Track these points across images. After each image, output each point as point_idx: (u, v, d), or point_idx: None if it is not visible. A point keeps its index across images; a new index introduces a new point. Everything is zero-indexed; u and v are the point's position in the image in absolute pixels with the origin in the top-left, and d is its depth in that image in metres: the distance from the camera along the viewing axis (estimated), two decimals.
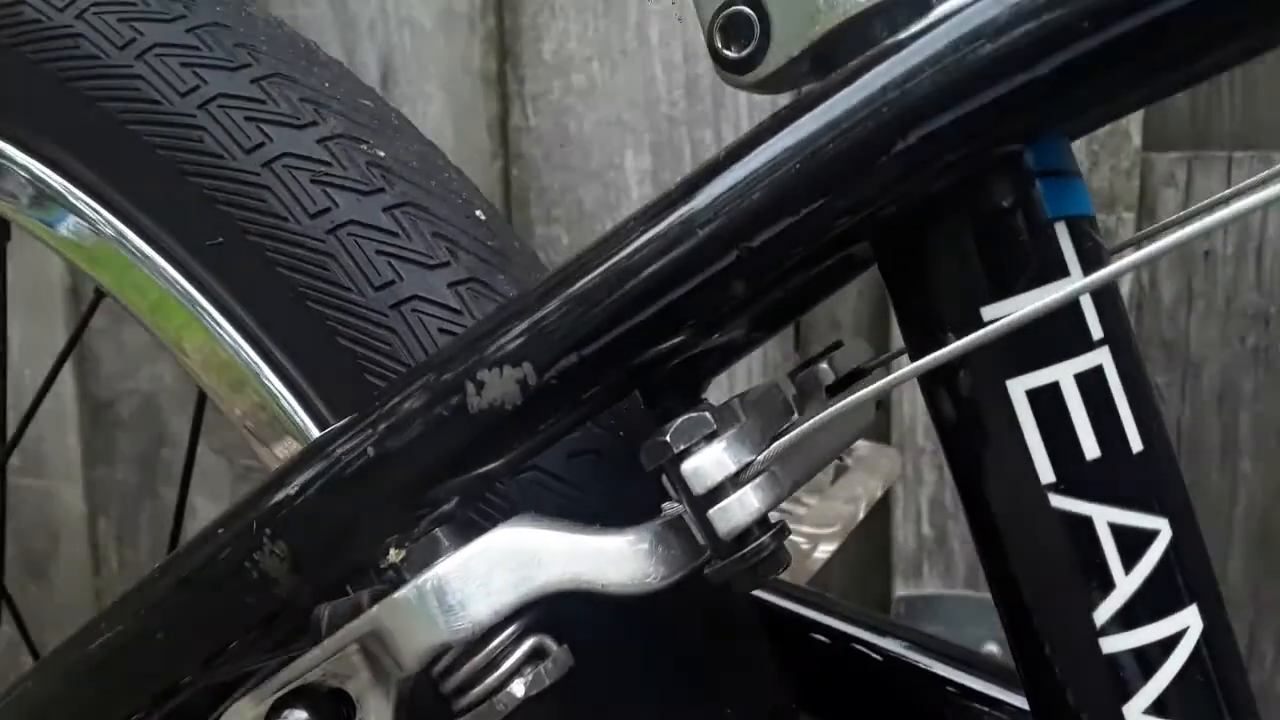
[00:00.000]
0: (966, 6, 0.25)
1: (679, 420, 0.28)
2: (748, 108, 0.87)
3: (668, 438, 0.28)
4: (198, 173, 0.34)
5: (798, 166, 0.26)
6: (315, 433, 0.33)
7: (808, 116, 0.26)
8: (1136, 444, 0.27)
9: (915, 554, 0.88)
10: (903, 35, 0.25)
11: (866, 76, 0.25)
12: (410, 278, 0.33)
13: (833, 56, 0.28)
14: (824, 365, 0.34)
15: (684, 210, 0.27)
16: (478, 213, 0.36)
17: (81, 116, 0.35)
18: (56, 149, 0.36)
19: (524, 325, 0.28)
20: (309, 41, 0.39)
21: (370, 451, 0.28)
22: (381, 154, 0.35)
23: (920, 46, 0.25)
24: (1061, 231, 0.27)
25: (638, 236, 0.27)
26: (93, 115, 0.35)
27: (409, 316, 0.33)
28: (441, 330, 0.33)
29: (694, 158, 0.89)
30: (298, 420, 0.34)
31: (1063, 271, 0.27)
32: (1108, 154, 0.82)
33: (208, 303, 0.35)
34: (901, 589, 0.89)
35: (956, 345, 0.25)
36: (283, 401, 0.34)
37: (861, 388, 0.28)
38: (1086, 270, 0.27)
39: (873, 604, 0.90)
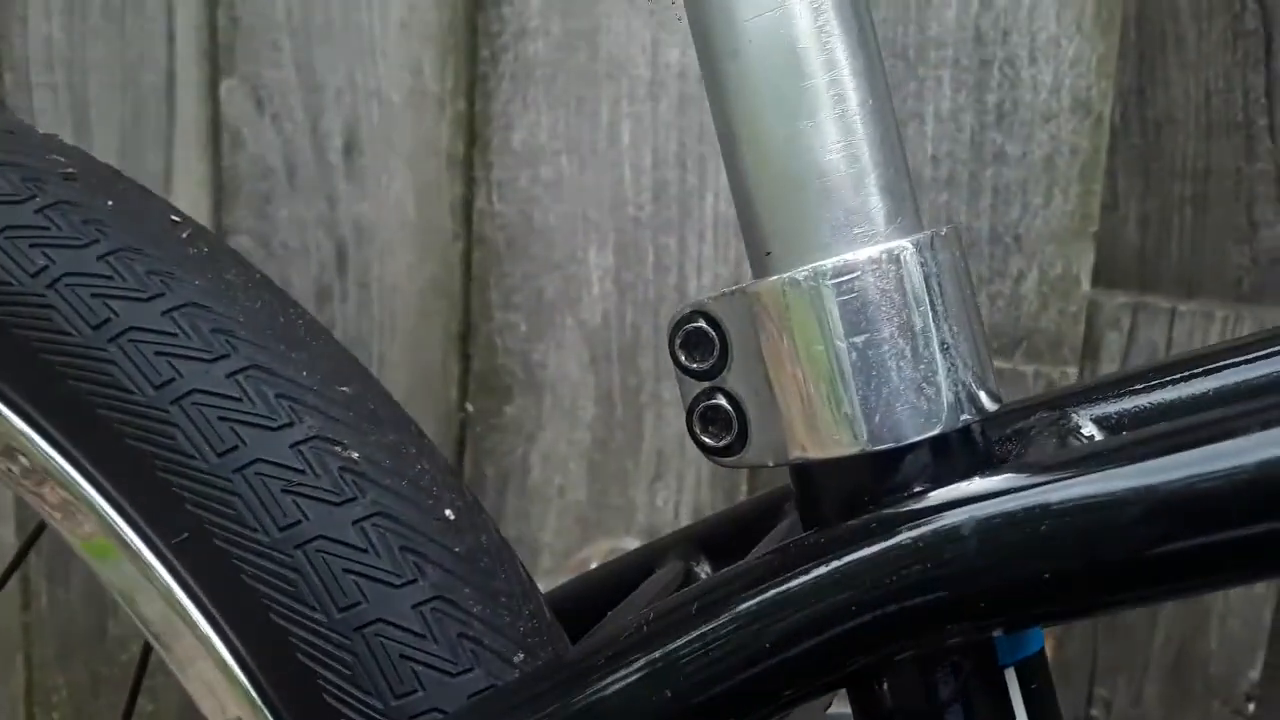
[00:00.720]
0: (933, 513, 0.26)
1: None
2: (713, 219, 0.88)
3: None
4: None
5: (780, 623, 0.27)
6: None
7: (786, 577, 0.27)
8: None
9: None
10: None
11: (840, 559, 0.26)
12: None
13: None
14: None
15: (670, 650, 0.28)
16: (447, 512, 0.36)
17: None
18: None
19: None
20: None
21: None
22: (356, 456, 0.35)
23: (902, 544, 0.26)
24: (1011, 678, 0.29)
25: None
26: None
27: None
28: (403, 656, 0.34)
29: (657, 261, 0.90)
30: None
31: (1009, 716, 0.29)
32: (1057, 297, 0.84)
33: None
34: None
35: None
36: None
37: None
38: (1030, 713, 0.29)
39: None
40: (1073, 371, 0.82)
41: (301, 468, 0.35)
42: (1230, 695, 0.81)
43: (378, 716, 0.34)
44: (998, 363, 0.82)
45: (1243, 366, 0.31)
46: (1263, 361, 0.31)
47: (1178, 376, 0.32)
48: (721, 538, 0.40)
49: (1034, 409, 0.34)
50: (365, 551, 0.34)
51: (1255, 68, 0.79)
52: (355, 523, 0.35)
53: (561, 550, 0.93)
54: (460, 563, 0.36)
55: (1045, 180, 0.81)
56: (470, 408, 0.96)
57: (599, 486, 0.92)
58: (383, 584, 0.34)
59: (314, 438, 0.35)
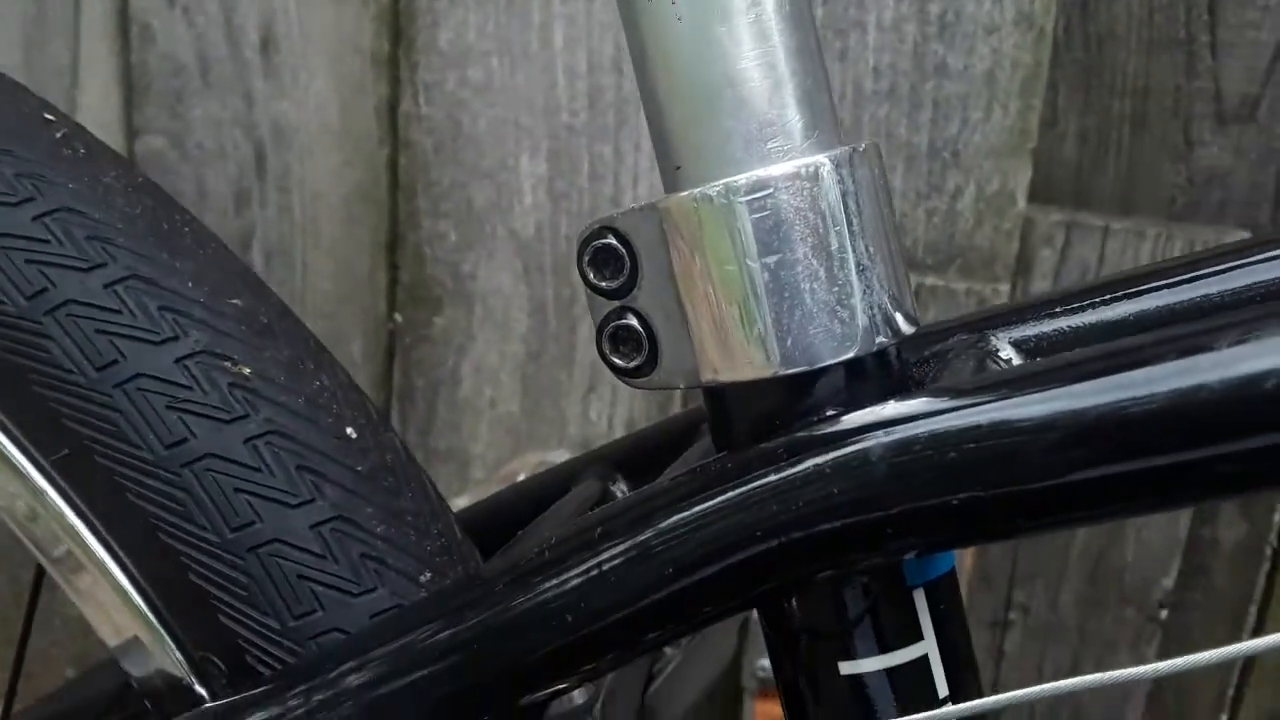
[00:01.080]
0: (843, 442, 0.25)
1: None
2: None
3: None
4: None
5: (694, 535, 0.26)
6: None
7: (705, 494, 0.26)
8: None
9: None
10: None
11: (765, 477, 0.25)
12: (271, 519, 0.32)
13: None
14: None
15: (596, 561, 0.27)
16: (348, 430, 0.35)
17: None
18: None
19: None
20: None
21: None
22: (247, 372, 0.33)
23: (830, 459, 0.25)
24: (919, 598, 0.28)
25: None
26: None
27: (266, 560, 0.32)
28: (301, 576, 0.32)
29: (592, 171, 0.87)
30: None
31: (916, 636, 0.28)
32: (992, 214, 0.84)
33: None
34: None
35: None
36: None
37: None
38: (939, 633, 0.29)
39: None
40: (1005, 289, 0.82)
41: (188, 383, 0.33)
42: (1144, 603, 0.84)
43: (275, 637, 0.33)
44: (931, 279, 0.82)
45: (1164, 291, 0.31)
46: (1183, 286, 0.30)
47: (1098, 300, 0.31)
48: (638, 457, 0.39)
49: (952, 331, 0.33)
50: (258, 470, 0.33)
51: None
52: (247, 441, 0.33)
53: (493, 461, 0.93)
54: (362, 482, 0.34)
55: (986, 94, 0.80)
56: (399, 318, 0.93)
57: (531, 399, 0.91)
58: (278, 503, 0.33)
59: (201, 352, 0.33)
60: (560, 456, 0.83)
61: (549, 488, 0.39)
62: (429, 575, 0.34)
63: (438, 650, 0.28)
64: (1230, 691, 0.84)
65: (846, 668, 0.28)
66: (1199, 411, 0.22)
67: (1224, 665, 0.85)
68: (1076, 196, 0.86)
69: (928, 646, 0.28)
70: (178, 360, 0.33)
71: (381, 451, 0.35)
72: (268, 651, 0.33)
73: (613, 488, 0.38)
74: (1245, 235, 0.80)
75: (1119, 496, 0.23)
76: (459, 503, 0.78)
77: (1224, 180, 0.82)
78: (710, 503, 0.26)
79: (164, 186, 0.37)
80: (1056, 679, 0.24)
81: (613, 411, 0.89)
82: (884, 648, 0.28)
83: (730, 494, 0.26)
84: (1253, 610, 0.82)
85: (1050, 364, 0.25)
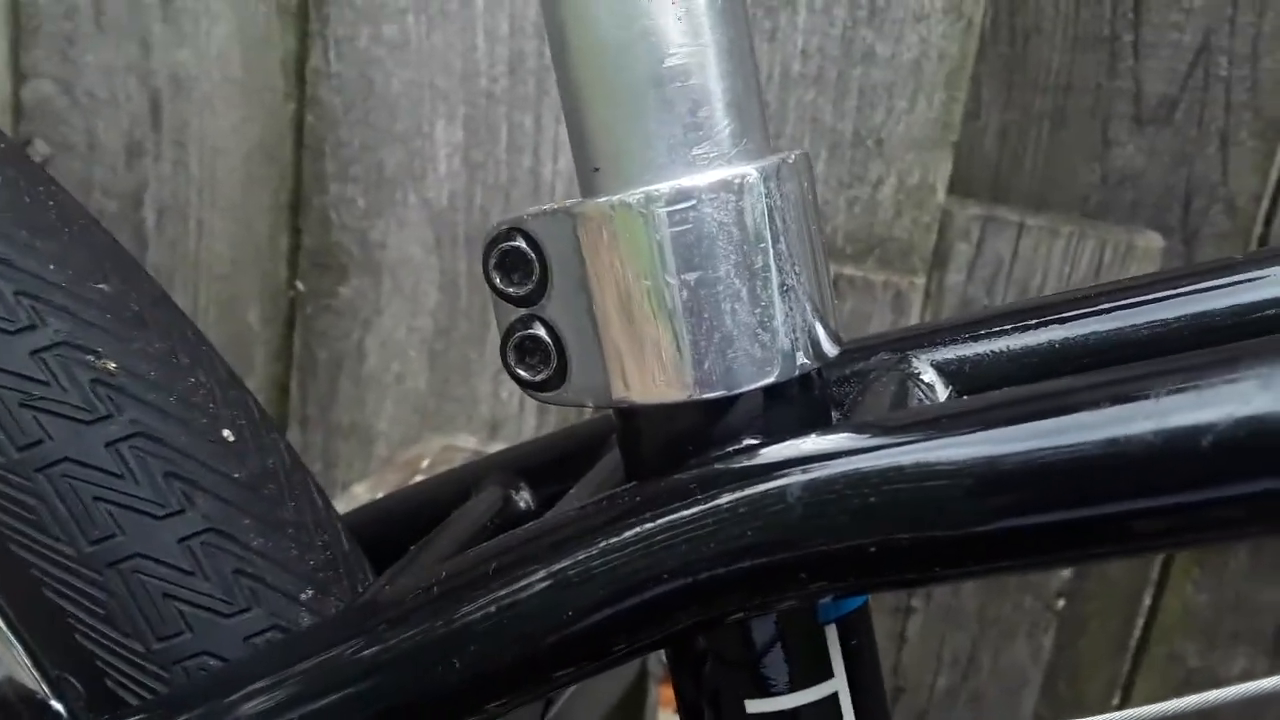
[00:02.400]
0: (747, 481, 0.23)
1: None
2: None
3: None
4: None
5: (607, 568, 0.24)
6: None
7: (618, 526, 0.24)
8: None
9: None
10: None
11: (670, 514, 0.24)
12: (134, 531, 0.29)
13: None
14: None
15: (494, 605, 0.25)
16: (225, 432, 0.32)
17: None
18: None
19: None
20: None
21: None
22: (112, 366, 0.30)
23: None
24: (831, 635, 0.27)
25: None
26: None
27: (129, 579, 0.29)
28: (166, 595, 0.30)
29: (510, 142, 0.84)
30: None
31: (826, 674, 0.27)
32: (912, 205, 0.83)
33: None
34: None
35: None
36: None
37: None
38: (850, 670, 0.27)
39: None
40: (921, 282, 0.82)
41: (44, 379, 0.29)
42: (1042, 592, 0.86)
43: (139, 660, 0.30)
44: (849, 270, 0.81)
45: (1090, 318, 0.30)
46: (1110, 314, 0.29)
47: (1023, 324, 0.30)
48: (544, 464, 0.37)
49: (874, 350, 0.31)
50: (121, 477, 0.30)
51: None
52: (109, 444, 0.30)
53: (398, 439, 0.89)
54: (239, 490, 0.31)
55: (912, 84, 0.79)
56: (301, 286, 0.89)
57: (440, 376, 0.88)
58: (142, 514, 0.30)
59: (60, 344, 0.30)
60: (467, 442, 0.81)
61: (447, 493, 0.37)
62: (311, 593, 0.31)
63: (316, 689, 0.26)
64: (1121, 680, 0.87)
65: (753, 706, 0.27)
66: (1130, 464, 0.21)
67: (1116, 654, 0.87)
68: (994, 191, 0.86)
69: (838, 684, 0.27)
70: (34, 353, 0.30)
71: (263, 456, 0.33)
72: (130, 676, 0.30)
73: (516, 496, 0.35)
74: (1155, 236, 0.81)
75: (1044, 548, 0.22)
76: (357, 491, 0.75)
77: (1137, 181, 0.83)
78: (615, 539, 0.24)
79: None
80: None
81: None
82: (793, 686, 0.27)
83: (637, 530, 0.24)
84: (1146, 601, 0.85)
85: (978, 404, 0.24)
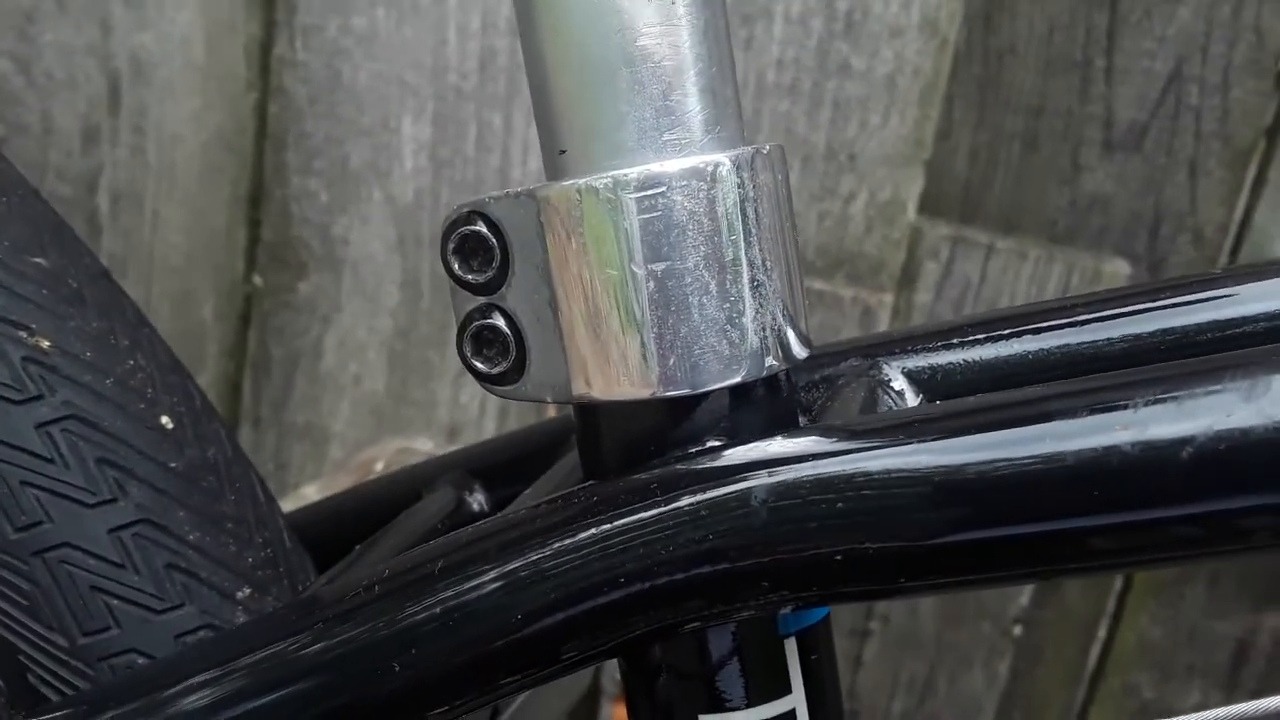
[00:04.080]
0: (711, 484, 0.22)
1: None
2: None
3: None
4: None
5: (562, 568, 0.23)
6: None
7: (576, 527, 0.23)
8: None
9: None
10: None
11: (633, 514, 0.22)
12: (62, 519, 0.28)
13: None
14: None
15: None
16: (164, 419, 0.30)
17: None
18: None
19: None
20: None
21: None
22: (45, 345, 0.29)
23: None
24: (790, 648, 0.26)
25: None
26: None
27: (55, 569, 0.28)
28: (94, 588, 0.28)
29: (479, 140, 0.83)
30: None
31: (785, 689, 0.26)
32: (882, 222, 0.83)
33: None
34: None
35: None
36: None
37: None
38: (809, 685, 0.26)
39: None
40: (889, 299, 0.82)
41: None
42: (1000, 618, 0.85)
43: (62, 655, 0.29)
44: (818, 284, 0.81)
45: (1064, 330, 0.29)
46: (1085, 327, 0.29)
47: (995, 334, 0.30)
48: (499, 465, 0.36)
49: (845, 355, 0.30)
50: (50, 462, 0.28)
51: (1101, 6, 0.79)
52: (40, 426, 0.28)
53: (353, 441, 0.87)
54: (176, 481, 0.30)
55: (885, 100, 0.79)
56: (258, 281, 0.87)
57: (399, 377, 0.86)
58: (72, 501, 0.28)
59: None
60: (424, 445, 0.79)
61: (398, 493, 0.35)
62: (248, 591, 0.30)
63: (248, 690, 0.24)
64: (1076, 709, 0.86)
65: None
66: (1108, 475, 0.20)
67: (1072, 683, 0.87)
68: (963, 211, 0.86)
69: (796, 700, 0.26)
70: None
71: (203, 446, 0.31)
72: (53, 672, 0.29)
73: (469, 498, 0.34)
74: (1122, 263, 0.82)
75: (1019, 561, 0.21)
76: (308, 492, 0.73)
77: (1105, 206, 0.84)
78: (570, 539, 0.23)
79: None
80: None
81: (485, 397, 0.85)
82: (750, 701, 0.26)
83: (593, 530, 0.23)
84: (1101, 632, 0.85)
85: (954, 409, 0.23)
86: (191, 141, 0.85)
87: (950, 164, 0.84)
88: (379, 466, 0.73)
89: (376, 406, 0.87)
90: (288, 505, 0.39)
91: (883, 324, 0.81)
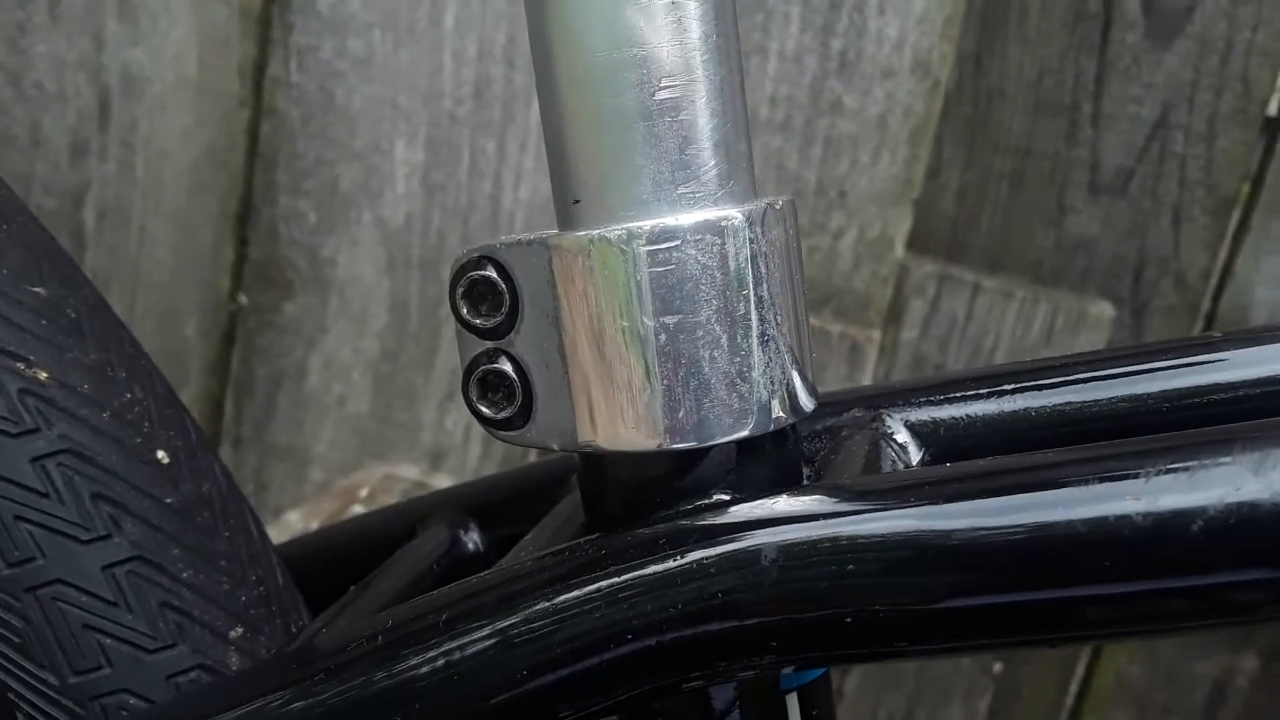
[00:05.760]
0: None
1: None
2: (538, 127, 0.81)
3: None
4: None
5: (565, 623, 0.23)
6: None
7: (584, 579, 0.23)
8: None
9: None
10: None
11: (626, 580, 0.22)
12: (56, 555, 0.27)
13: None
14: None
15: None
16: (160, 454, 0.30)
17: None
18: None
19: None
20: None
21: None
22: (43, 377, 0.28)
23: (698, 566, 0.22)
24: (791, 704, 0.26)
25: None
26: None
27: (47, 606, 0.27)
28: (86, 626, 0.28)
29: (472, 165, 0.83)
30: None
31: None
32: (870, 258, 0.83)
33: None
34: None
35: None
36: None
37: None
38: None
39: None
40: (876, 335, 0.82)
41: None
42: (980, 657, 0.85)
43: (53, 694, 0.28)
44: None
45: (1067, 388, 0.29)
46: (1088, 385, 0.29)
47: (998, 389, 0.30)
48: (496, 503, 0.35)
49: (848, 405, 0.31)
50: (45, 496, 0.28)
51: (1090, 52, 0.80)
52: (35, 460, 0.28)
53: (335, 464, 0.87)
54: (171, 517, 0.29)
55: (876, 138, 0.80)
56: (244, 300, 0.86)
57: (384, 400, 0.86)
58: (65, 537, 0.28)
59: None
60: (408, 471, 0.78)
61: (392, 529, 0.35)
62: (241, 631, 0.29)
63: None
64: None
65: None
66: (1119, 546, 0.20)
67: (1052, 708, 0.87)
68: (951, 249, 0.87)
69: None
70: None
71: (198, 481, 0.31)
72: (43, 711, 0.28)
73: (464, 537, 0.34)
74: (1106, 305, 0.82)
75: (1029, 627, 0.21)
76: (291, 518, 0.73)
77: (1090, 249, 0.85)
78: (577, 593, 0.23)
79: None
80: None
81: (470, 422, 0.85)
82: None
83: (601, 585, 0.23)
84: (1079, 670, 0.85)
85: (965, 471, 0.23)
86: (181, 158, 0.85)
87: (939, 202, 0.85)
88: (364, 492, 0.72)
89: (360, 428, 0.86)
90: (273, 532, 0.39)
91: (870, 361, 0.82)
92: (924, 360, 0.84)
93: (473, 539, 0.34)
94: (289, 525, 0.67)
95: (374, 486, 0.74)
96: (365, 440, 0.86)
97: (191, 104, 0.83)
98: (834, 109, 0.78)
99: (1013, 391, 0.29)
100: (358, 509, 0.68)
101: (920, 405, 0.30)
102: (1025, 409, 0.29)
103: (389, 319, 0.85)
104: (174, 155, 0.85)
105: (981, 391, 0.30)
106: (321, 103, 0.83)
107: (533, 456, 0.75)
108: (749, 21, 0.78)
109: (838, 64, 0.78)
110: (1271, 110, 0.77)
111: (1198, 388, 0.28)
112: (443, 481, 0.83)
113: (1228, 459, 0.20)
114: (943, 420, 0.30)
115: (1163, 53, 0.79)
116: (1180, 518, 0.20)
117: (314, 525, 0.65)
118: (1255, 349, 0.28)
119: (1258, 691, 0.85)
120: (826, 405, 0.31)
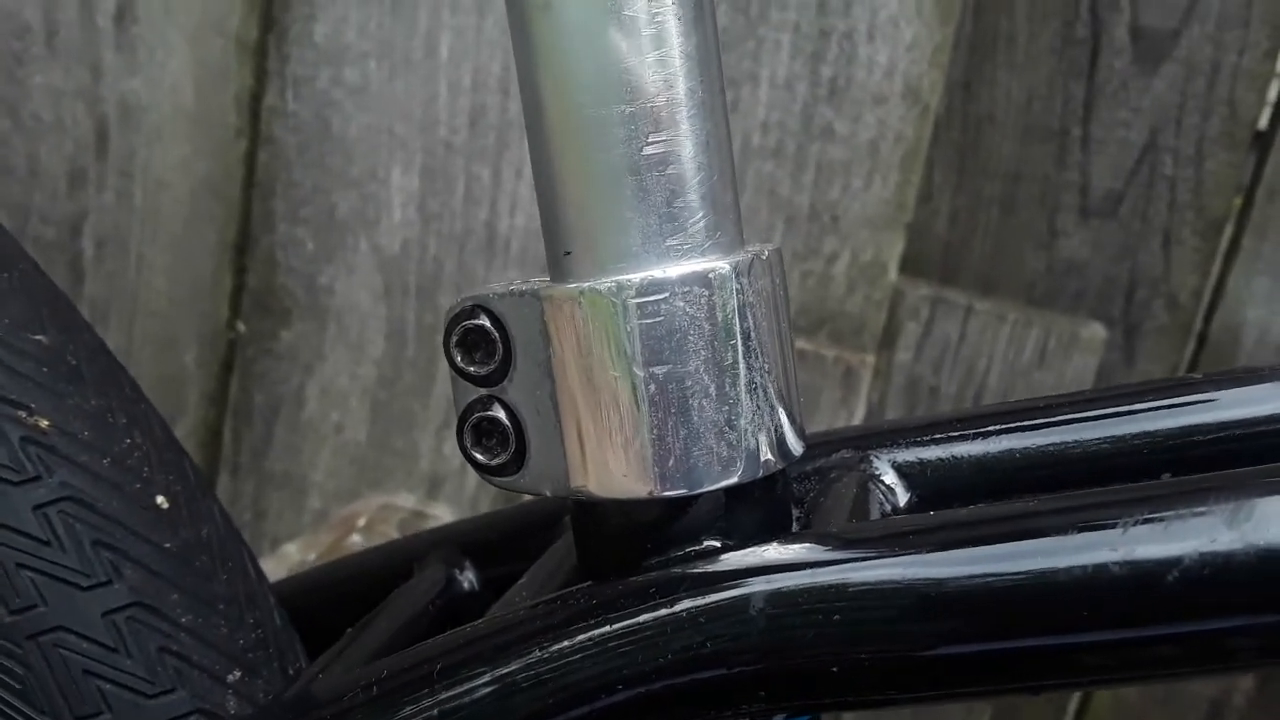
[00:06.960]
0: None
1: None
2: None
3: None
4: None
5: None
6: None
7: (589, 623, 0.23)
8: None
9: None
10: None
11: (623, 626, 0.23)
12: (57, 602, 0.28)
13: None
14: None
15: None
16: (159, 499, 0.30)
17: None
18: None
19: None
20: None
21: None
22: (44, 424, 0.29)
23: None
24: None
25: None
26: None
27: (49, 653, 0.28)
28: (87, 671, 0.28)
29: (468, 193, 0.83)
30: None
31: None
32: (864, 282, 0.84)
33: None
34: None
35: None
36: None
37: None
38: None
39: None
40: (871, 360, 0.83)
41: None
42: None
43: None
44: (801, 343, 0.82)
45: (1052, 429, 0.30)
46: (1068, 427, 0.29)
47: (984, 430, 0.30)
48: (491, 542, 0.36)
49: (836, 446, 0.31)
50: (47, 544, 0.28)
51: (1078, 77, 0.81)
52: (37, 508, 0.28)
53: (333, 491, 0.87)
54: (170, 562, 0.30)
55: (868, 164, 0.80)
56: (242, 328, 0.87)
57: (381, 428, 0.86)
58: (66, 584, 0.28)
59: None
60: (406, 501, 0.79)
61: (388, 567, 0.35)
62: (239, 675, 0.30)
63: None
64: None
65: None
66: (1097, 595, 0.21)
67: None
68: (943, 273, 0.88)
69: None
70: None
71: (197, 525, 0.31)
72: None
73: (460, 576, 0.34)
74: (1098, 327, 0.83)
75: (1012, 675, 0.22)
76: (289, 550, 0.73)
77: (1081, 271, 0.85)
78: (568, 642, 0.23)
79: None
80: None
81: None
82: None
83: (593, 634, 0.23)
84: (1077, 691, 0.85)
85: (947, 520, 0.23)
86: (179, 187, 0.85)
87: (931, 226, 0.86)
88: (361, 522, 0.73)
89: (357, 455, 0.87)
90: (270, 564, 0.39)
91: (864, 385, 0.82)
92: (918, 383, 0.84)
93: (468, 578, 0.35)
94: (287, 557, 0.68)
95: (371, 516, 0.74)
96: (363, 467, 0.86)
97: (189, 134, 0.84)
98: (825, 135, 0.79)
99: (998, 433, 0.30)
100: (356, 539, 0.69)
101: (907, 446, 0.31)
102: (1010, 450, 0.30)
103: (386, 346, 0.85)
104: (172, 184, 0.85)
105: (967, 433, 0.30)
106: (318, 132, 0.83)
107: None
108: (740, 49, 0.79)
109: (828, 90, 0.79)
110: (1261, 125, 0.78)
111: (1179, 429, 0.28)
112: (440, 509, 0.83)
113: (1203, 509, 0.21)
114: (929, 461, 0.30)
115: (1150, 77, 0.80)
116: (1157, 568, 0.21)
117: (312, 557, 0.65)
118: (1235, 390, 0.28)
119: (1254, 710, 0.85)
120: (815, 447, 0.31)
